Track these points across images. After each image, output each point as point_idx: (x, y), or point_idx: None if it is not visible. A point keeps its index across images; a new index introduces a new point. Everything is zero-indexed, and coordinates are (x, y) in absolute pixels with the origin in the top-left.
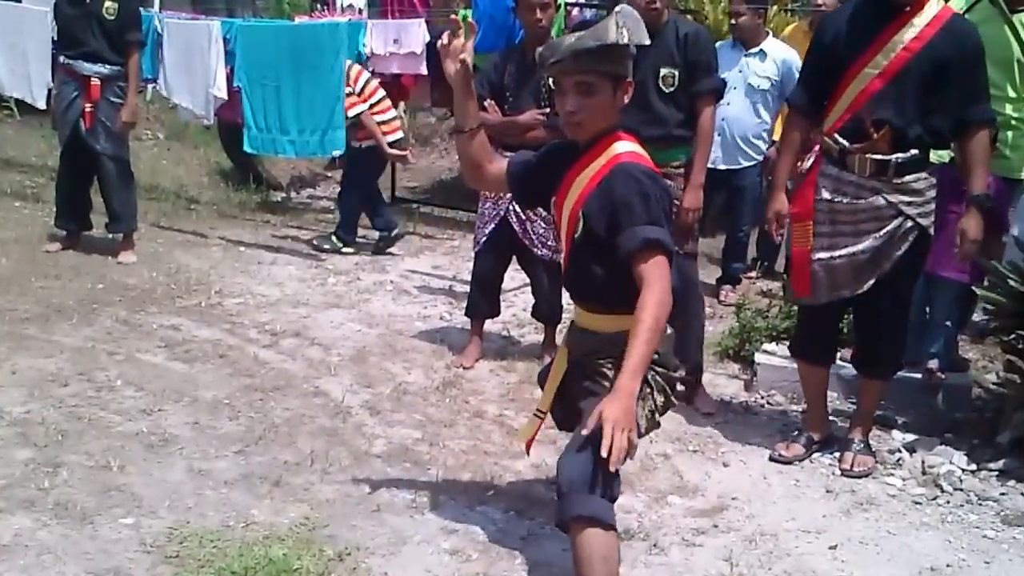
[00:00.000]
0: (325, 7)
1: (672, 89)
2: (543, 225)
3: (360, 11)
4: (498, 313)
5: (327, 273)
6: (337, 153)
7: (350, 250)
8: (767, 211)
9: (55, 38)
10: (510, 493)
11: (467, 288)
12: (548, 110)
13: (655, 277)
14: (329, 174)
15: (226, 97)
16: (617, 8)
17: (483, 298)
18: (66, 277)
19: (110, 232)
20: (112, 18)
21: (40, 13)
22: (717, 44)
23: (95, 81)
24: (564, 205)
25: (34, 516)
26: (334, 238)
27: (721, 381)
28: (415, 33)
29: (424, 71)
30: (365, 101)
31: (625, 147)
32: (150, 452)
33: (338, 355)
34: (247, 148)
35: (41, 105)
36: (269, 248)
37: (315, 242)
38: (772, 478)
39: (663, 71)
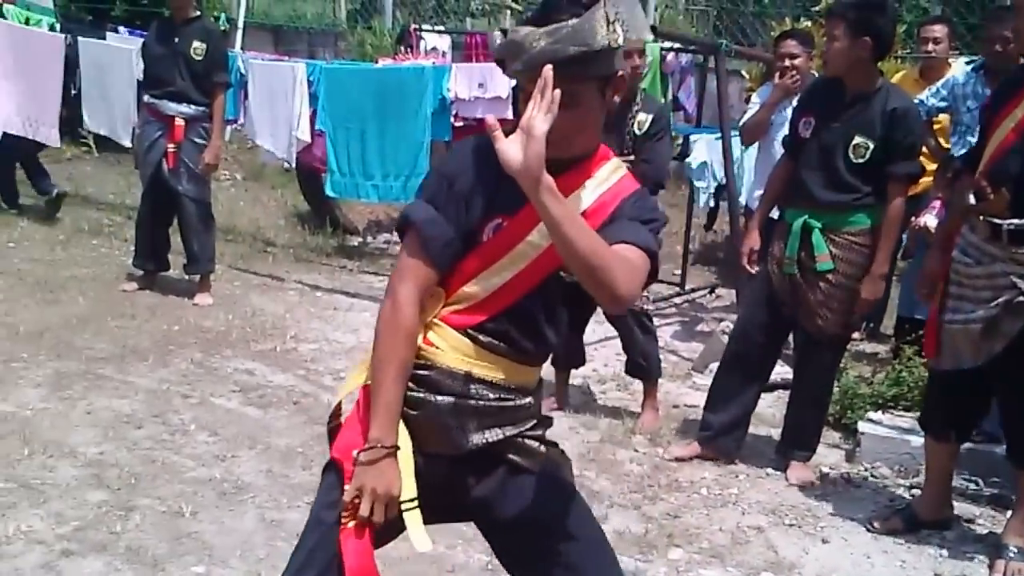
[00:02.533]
0: (409, 50)
1: (862, 161)
2: None
3: (444, 54)
4: (584, 362)
5: None
6: None
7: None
8: (921, 273)
9: (140, 78)
10: None
11: None
12: (633, 156)
13: (637, 265)
14: None
15: (309, 140)
16: None
17: (569, 349)
18: (142, 317)
19: (187, 273)
20: (200, 58)
21: (126, 52)
22: (763, 85)
23: (179, 122)
24: (533, 225)
25: (106, 560)
26: None
27: (820, 450)
28: (501, 78)
29: (509, 115)
30: None
31: (619, 165)
32: (222, 499)
33: None
34: (329, 192)
35: (127, 143)
36: (345, 293)
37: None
38: (876, 557)
39: (857, 139)
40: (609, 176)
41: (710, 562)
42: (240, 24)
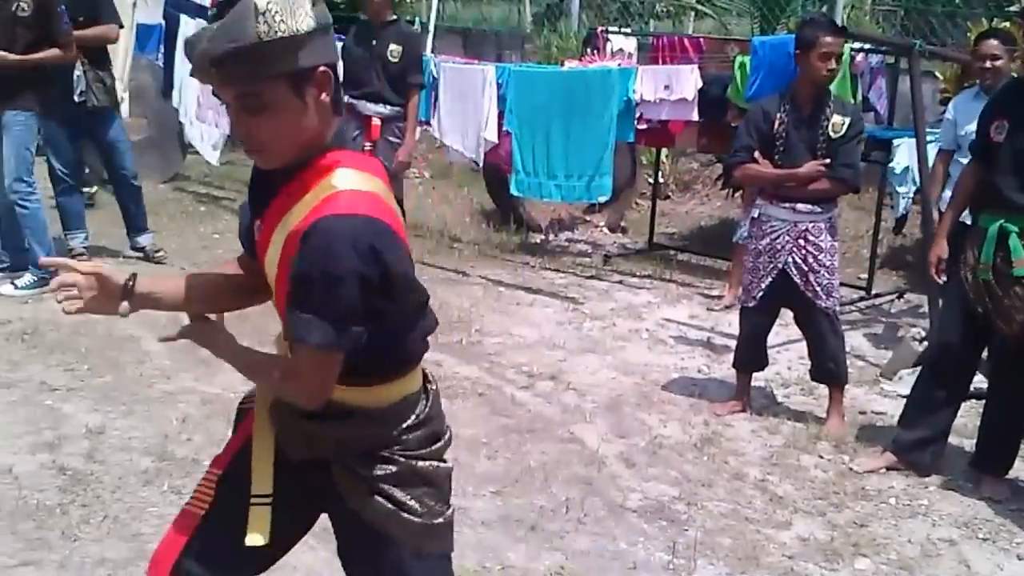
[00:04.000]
0: (595, 52)
1: None
2: (827, 275)
3: (630, 55)
4: (767, 365)
5: (583, 317)
6: (604, 199)
7: None
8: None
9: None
10: (774, 567)
11: (727, 341)
12: (828, 160)
13: (302, 369)
14: (588, 218)
15: (496, 140)
16: None
17: (752, 352)
18: None
19: None
20: (396, 60)
21: None
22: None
23: (376, 121)
24: (267, 256)
25: (313, 541)
26: None
27: (1017, 463)
28: (687, 79)
29: (695, 117)
30: None
31: (345, 180)
32: None
33: (593, 402)
34: (514, 191)
35: None
36: (527, 289)
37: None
38: None
39: None
40: (316, 195)
41: (898, 574)
42: (431, 28)
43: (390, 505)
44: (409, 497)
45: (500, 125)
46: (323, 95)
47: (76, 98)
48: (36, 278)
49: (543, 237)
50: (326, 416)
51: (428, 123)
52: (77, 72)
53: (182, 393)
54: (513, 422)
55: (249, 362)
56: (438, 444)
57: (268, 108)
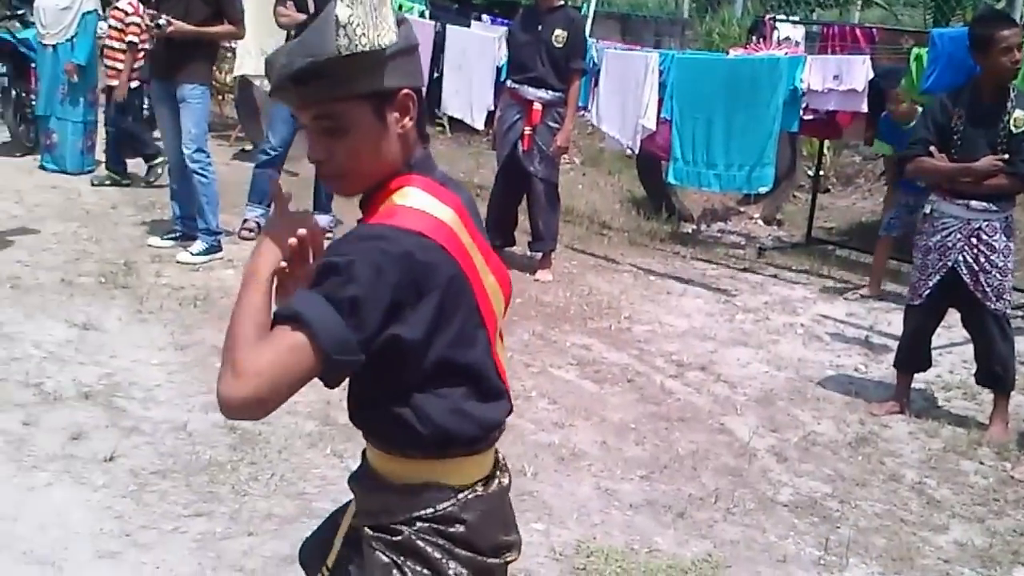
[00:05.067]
0: (761, 40)
1: None
2: (999, 276)
3: (797, 44)
4: (929, 366)
5: (735, 309)
6: (764, 189)
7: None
8: None
9: (499, 65)
10: (929, 570)
11: (886, 340)
12: (1008, 156)
13: (269, 346)
14: (743, 209)
15: (654, 128)
16: None
17: (915, 351)
18: None
19: (531, 251)
20: (560, 46)
21: (489, 40)
22: None
23: (537, 106)
24: None
25: None
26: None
27: None
28: (858, 70)
29: (864, 108)
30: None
31: (409, 198)
32: (561, 464)
33: (744, 394)
34: (671, 179)
35: (479, 126)
36: (678, 279)
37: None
38: None
39: None
40: (386, 205)
41: None
42: (590, 13)
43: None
44: None
45: (659, 112)
46: (406, 119)
47: None
48: (207, 245)
49: (695, 227)
50: (359, 475)
51: (586, 109)
52: None
53: None
54: (662, 410)
55: (248, 303)
56: (470, 555)
57: (346, 130)
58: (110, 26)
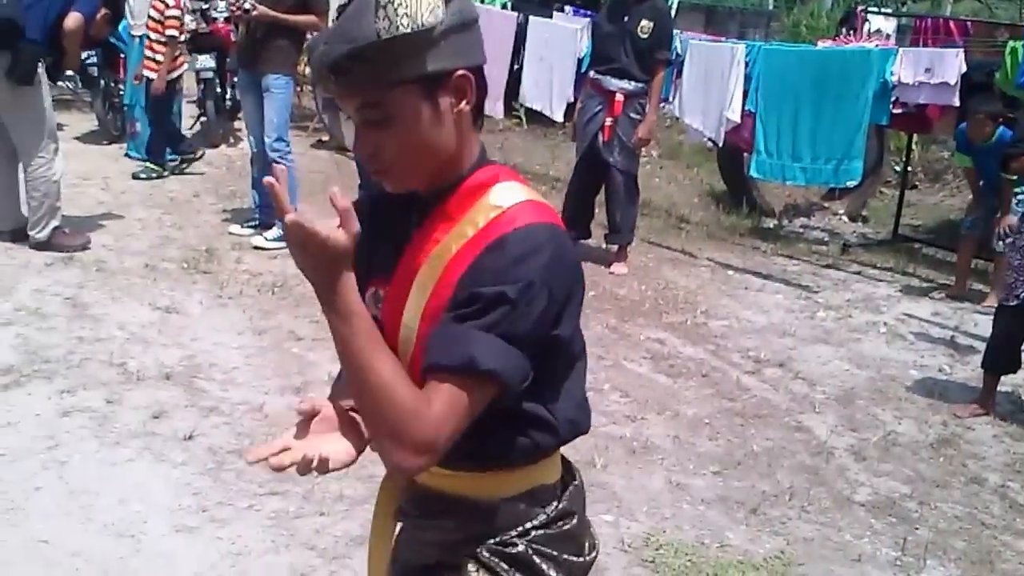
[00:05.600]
0: (852, 32)
1: None
2: None
3: (888, 36)
4: (1018, 368)
5: (816, 306)
6: (852, 184)
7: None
8: None
9: (580, 56)
10: (1009, 574)
11: (972, 342)
12: None
13: (451, 411)
14: (827, 204)
15: (738, 120)
16: None
17: (1005, 353)
18: None
19: (607, 243)
20: (645, 37)
21: (571, 31)
22: None
23: (619, 97)
24: (404, 305)
25: None
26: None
27: None
28: (950, 63)
29: (956, 103)
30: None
31: (511, 195)
32: (632, 456)
33: (823, 392)
34: (753, 173)
35: (559, 118)
36: (758, 274)
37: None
38: None
39: None
40: (475, 219)
41: None
42: (674, 4)
43: None
44: None
45: (743, 105)
46: (463, 104)
47: None
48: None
49: (776, 222)
50: (410, 513)
51: (668, 101)
52: None
53: None
54: (737, 405)
55: (361, 346)
56: (576, 558)
57: (395, 120)
58: (150, 16)
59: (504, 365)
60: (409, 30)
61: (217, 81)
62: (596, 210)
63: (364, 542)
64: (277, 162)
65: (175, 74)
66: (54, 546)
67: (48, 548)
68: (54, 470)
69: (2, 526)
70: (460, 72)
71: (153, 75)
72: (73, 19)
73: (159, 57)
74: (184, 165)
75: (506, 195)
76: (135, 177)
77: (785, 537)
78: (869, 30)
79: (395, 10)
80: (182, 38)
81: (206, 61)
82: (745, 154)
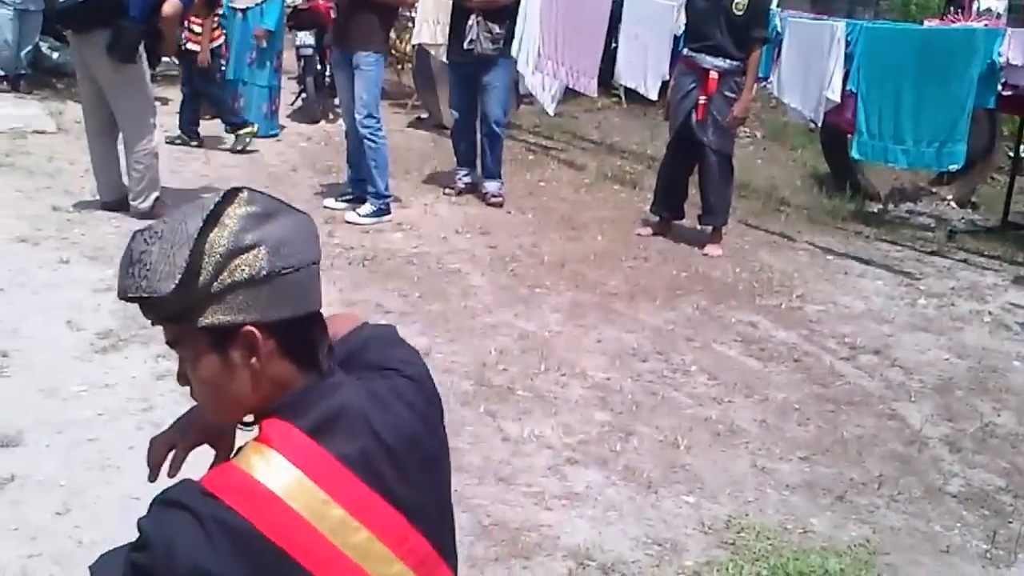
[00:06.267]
0: (960, 11)
1: None
2: None
3: (998, 16)
4: None
5: (918, 293)
6: (954, 168)
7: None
8: None
9: (677, 34)
10: None
11: None
12: None
13: None
14: (934, 189)
15: (838, 100)
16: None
17: None
18: (654, 261)
19: (701, 224)
20: (740, 13)
21: (667, 8)
22: None
23: (713, 75)
24: None
25: (605, 474)
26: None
27: None
28: None
29: None
30: None
31: (249, 461)
32: (716, 439)
33: (920, 381)
34: (854, 154)
35: (653, 96)
36: (859, 259)
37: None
38: None
39: None
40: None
41: None
42: None
43: None
44: None
45: (844, 84)
46: (252, 359)
47: (465, 46)
48: (375, 208)
49: (881, 206)
50: None
51: (767, 79)
52: (469, 23)
53: (502, 326)
54: (829, 392)
55: None
56: None
57: (189, 361)
58: None
59: None
60: (145, 294)
61: (317, 58)
62: (691, 190)
63: None
64: (367, 139)
65: (214, 44)
66: (145, 503)
67: (140, 505)
68: (147, 431)
69: (98, 483)
70: (247, 328)
71: (196, 47)
72: (171, 5)
73: (198, 28)
74: (248, 141)
75: (246, 458)
76: (169, 142)
77: (872, 526)
78: (979, 9)
79: (141, 271)
80: (220, 10)
81: (305, 38)
82: (849, 135)
